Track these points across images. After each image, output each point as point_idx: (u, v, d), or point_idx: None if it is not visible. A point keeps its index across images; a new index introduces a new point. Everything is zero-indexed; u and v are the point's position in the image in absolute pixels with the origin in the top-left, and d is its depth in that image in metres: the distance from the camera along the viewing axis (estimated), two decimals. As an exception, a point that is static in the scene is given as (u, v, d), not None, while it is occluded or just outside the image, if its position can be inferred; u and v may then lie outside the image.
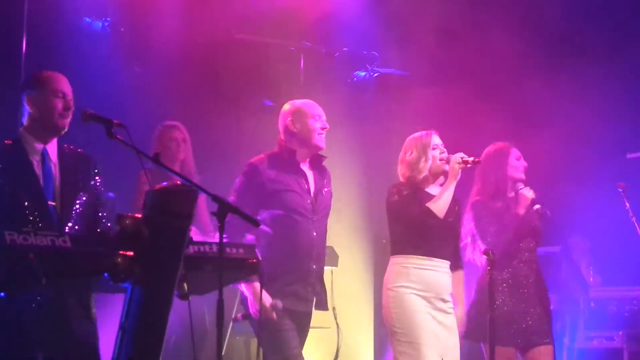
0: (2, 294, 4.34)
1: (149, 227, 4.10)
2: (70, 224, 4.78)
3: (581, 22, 8.92)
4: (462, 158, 5.94)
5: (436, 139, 6.09)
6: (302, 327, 5.74)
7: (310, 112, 5.76)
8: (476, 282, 6.45)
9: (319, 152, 5.84)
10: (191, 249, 4.36)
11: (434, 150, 6.03)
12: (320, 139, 5.73)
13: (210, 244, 4.48)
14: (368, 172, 8.81)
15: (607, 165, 6.78)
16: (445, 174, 6.00)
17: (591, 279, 8.86)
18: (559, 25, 9.03)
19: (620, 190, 6.58)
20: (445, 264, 6.01)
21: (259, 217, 5.53)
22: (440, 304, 5.90)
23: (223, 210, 4.33)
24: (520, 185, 6.37)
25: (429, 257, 5.90)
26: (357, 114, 8.86)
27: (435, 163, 6.01)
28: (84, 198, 4.89)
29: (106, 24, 8.05)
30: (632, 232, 6.63)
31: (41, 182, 4.78)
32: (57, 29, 7.66)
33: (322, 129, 5.75)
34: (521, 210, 6.31)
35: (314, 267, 5.66)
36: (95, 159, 5.05)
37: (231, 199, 5.54)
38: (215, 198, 4.34)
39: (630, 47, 9.01)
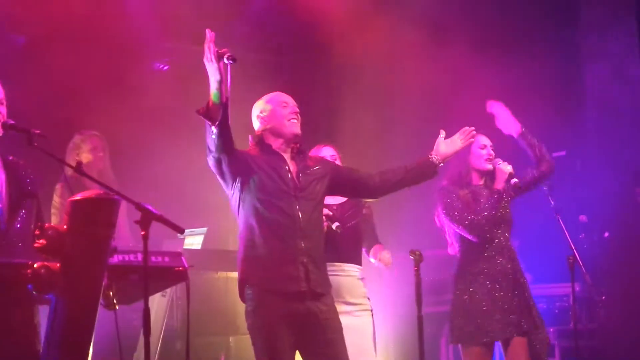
0: None
1: (73, 237, 4.06)
2: (16, 227, 4.68)
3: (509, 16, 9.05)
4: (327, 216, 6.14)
5: (327, 151, 6.37)
6: (301, 313, 5.35)
7: (277, 100, 5.61)
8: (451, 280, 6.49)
9: (297, 142, 5.61)
10: (115, 258, 4.34)
11: None
12: (292, 124, 5.54)
13: (135, 252, 4.46)
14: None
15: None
16: None
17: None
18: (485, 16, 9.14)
19: (545, 188, 6.65)
20: (351, 267, 6.24)
21: (240, 207, 5.42)
22: (343, 307, 5.99)
23: (147, 219, 4.31)
24: (499, 162, 6.43)
25: (333, 263, 5.99)
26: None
27: None
28: (28, 203, 4.83)
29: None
30: (558, 230, 6.71)
31: None
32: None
33: (292, 113, 5.56)
34: (499, 185, 6.38)
35: (303, 245, 5.38)
36: (33, 169, 4.97)
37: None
38: (138, 206, 4.32)
39: (559, 49, 9.15)
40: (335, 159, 6.37)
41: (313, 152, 6.30)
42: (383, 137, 8.96)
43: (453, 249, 6.51)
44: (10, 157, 4.88)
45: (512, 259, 6.43)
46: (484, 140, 6.53)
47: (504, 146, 6.59)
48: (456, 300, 6.36)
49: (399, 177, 5.70)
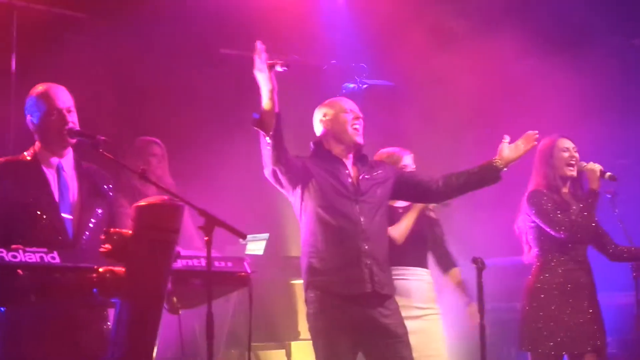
0: (2, 308, 4.45)
1: (137, 242, 4.13)
2: (85, 237, 4.81)
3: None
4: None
5: (407, 159, 6.32)
6: (363, 318, 5.41)
7: (340, 105, 5.67)
8: (524, 288, 6.43)
9: (357, 149, 5.67)
10: (179, 263, 4.39)
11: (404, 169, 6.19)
12: (355, 133, 5.59)
13: (198, 257, 4.51)
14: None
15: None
16: None
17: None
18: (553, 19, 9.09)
19: (609, 196, 6.58)
20: (419, 271, 6.22)
21: (302, 214, 5.50)
22: (414, 312, 5.98)
23: (210, 224, 4.36)
24: (583, 164, 6.38)
25: (403, 267, 5.97)
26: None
27: None
28: (100, 211, 4.94)
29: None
30: (622, 237, 6.65)
31: (56, 196, 4.81)
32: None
33: (355, 118, 5.60)
34: (594, 185, 6.31)
35: (366, 247, 5.43)
36: (109, 174, 5.11)
37: None
38: (202, 212, 4.37)
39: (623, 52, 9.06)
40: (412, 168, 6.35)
41: (396, 153, 6.35)
42: (445, 144, 8.94)
43: (530, 256, 6.45)
44: (85, 164, 4.98)
45: (589, 272, 6.38)
46: (567, 143, 6.46)
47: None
48: (530, 310, 6.32)
49: (462, 181, 5.69)
